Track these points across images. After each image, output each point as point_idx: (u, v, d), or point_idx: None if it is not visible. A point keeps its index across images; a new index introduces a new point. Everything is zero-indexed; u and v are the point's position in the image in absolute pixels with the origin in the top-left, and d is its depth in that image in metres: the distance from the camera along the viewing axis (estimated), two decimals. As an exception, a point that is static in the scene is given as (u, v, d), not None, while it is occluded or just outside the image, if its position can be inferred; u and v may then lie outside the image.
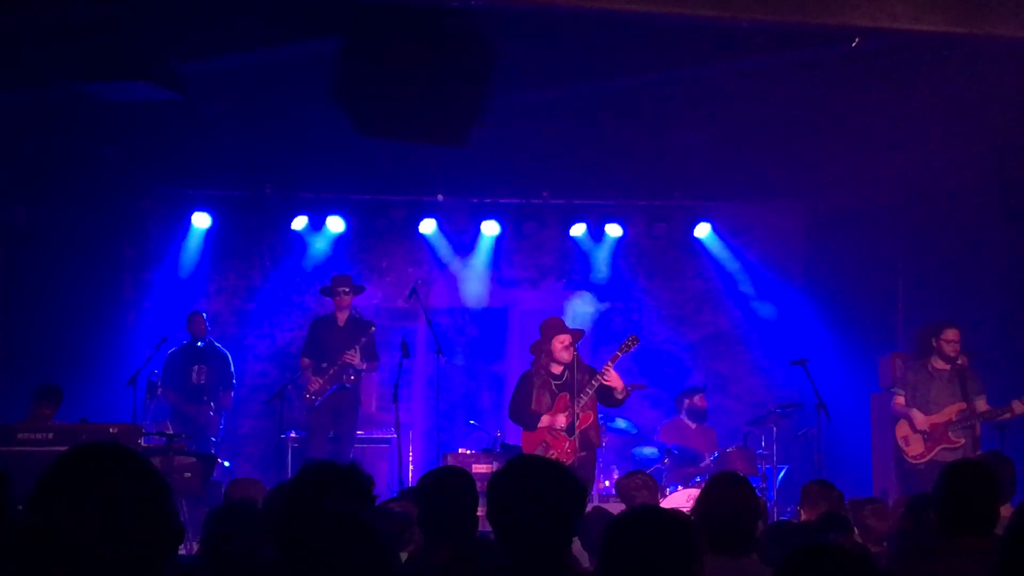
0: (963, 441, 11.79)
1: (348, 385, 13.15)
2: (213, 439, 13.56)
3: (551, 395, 11.29)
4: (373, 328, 13.27)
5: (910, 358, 12.69)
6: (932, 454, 11.87)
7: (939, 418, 11.93)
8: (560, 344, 11.26)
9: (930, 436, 11.95)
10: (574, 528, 4.29)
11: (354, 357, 13.09)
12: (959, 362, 11.98)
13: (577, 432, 11.09)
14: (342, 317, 13.43)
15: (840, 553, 3.59)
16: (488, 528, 4.43)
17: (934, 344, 12.10)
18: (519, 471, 4.37)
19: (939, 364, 12.07)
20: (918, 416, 12.01)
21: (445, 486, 5.70)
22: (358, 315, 13.51)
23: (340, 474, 4.21)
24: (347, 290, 13.45)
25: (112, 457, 2.82)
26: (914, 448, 12.03)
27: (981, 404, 11.83)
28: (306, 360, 13.42)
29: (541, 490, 4.20)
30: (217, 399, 13.66)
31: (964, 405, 11.86)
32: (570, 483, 4.31)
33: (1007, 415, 11.61)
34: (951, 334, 12.03)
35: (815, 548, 3.65)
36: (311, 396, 13.12)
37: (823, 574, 3.53)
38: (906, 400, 12.16)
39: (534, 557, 4.16)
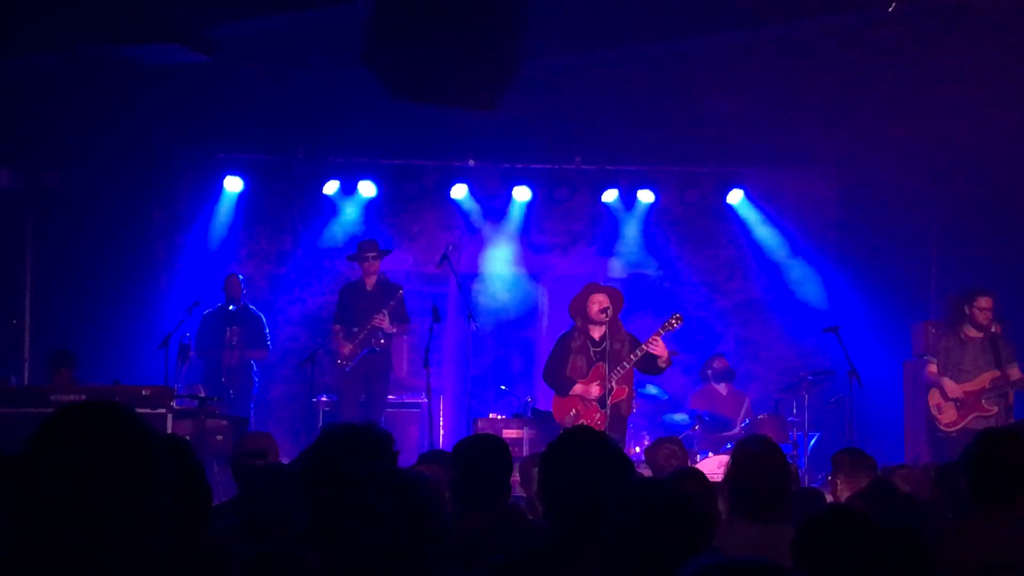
0: (996, 409, 11.74)
1: (377, 349, 13.15)
2: (251, 401, 13.60)
3: (588, 361, 11.21)
4: (401, 291, 13.27)
5: (943, 326, 12.62)
6: (965, 422, 11.82)
7: (972, 386, 11.88)
8: (596, 304, 11.18)
9: (963, 404, 11.90)
10: None
11: (383, 320, 13.09)
12: (992, 330, 11.91)
13: (609, 404, 11.04)
14: (370, 282, 13.43)
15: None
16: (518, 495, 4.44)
17: (967, 312, 12.03)
18: (574, 444, 4.38)
19: (972, 332, 12.00)
20: (950, 384, 11.96)
21: (482, 453, 5.68)
22: (386, 279, 13.50)
23: (359, 434, 4.20)
24: (374, 255, 13.43)
25: (100, 414, 2.80)
26: (947, 416, 11.97)
27: (1015, 372, 11.76)
28: (338, 327, 13.44)
29: (594, 464, 4.22)
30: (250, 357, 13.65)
31: (997, 373, 11.81)
32: (622, 460, 4.35)
33: None
34: (984, 302, 11.96)
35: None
36: (342, 361, 13.15)
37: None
38: (938, 368, 12.10)
39: (580, 531, 4.15)
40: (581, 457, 4.25)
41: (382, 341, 13.19)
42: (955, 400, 11.94)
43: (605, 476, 4.19)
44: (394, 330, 13.25)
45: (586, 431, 4.73)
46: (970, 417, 11.83)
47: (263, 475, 5.46)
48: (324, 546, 3.49)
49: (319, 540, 3.52)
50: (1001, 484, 4.90)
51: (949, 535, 5.00)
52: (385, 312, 13.10)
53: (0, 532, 2.55)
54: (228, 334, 13.50)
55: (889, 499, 6.66)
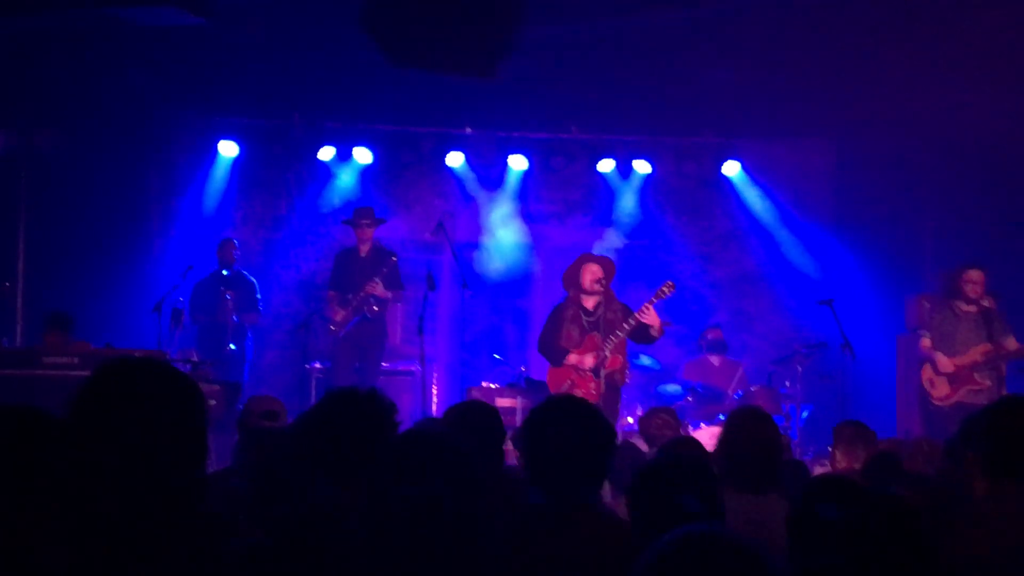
0: (988, 383, 11.75)
1: (370, 316, 13.13)
2: (245, 366, 13.60)
3: (581, 331, 11.22)
4: (395, 258, 13.24)
5: (936, 300, 12.63)
6: (957, 396, 11.85)
7: (964, 360, 11.89)
8: (590, 275, 11.19)
9: (955, 378, 11.92)
10: (607, 468, 4.31)
11: (376, 287, 13.07)
12: (985, 304, 11.92)
13: (603, 374, 11.05)
14: (364, 249, 13.41)
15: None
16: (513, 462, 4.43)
17: (959, 285, 12.04)
18: (556, 410, 4.39)
19: (965, 306, 12.01)
20: (942, 358, 11.98)
21: (471, 420, 5.69)
22: (380, 246, 13.49)
23: (362, 400, 4.21)
24: (369, 222, 13.42)
25: (153, 369, 2.85)
26: (939, 390, 12.00)
27: (1011, 343, 11.76)
28: (332, 293, 13.43)
29: (577, 430, 4.24)
30: (243, 320, 13.64)
31: (990, 347, 11.81)
32: (603, 424, 4.35)
33: None
34: (974, 275, 11.97)
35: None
36: (335, 327, 13.14)
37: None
38: (932, 342, 12.12)
39: (568, 496, 4.19)
40: (561, 424, 4.26)
41: (375, 308, 13.17)
42: (947, 374, 11.95)
43: (587, 442, 4.22)
44: (388, 296, 13.23)
45: (567, 399, 4.74)
46: (962, 391, 11.85)
47: (272, 437, 5.46)
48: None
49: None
50: (1016, 458, 4.62)
51: (960, 510, 4.86)
52: (378, 279, 13.08)
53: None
54: (224, 297, 13.45)
55: (892, 474, 6.64)
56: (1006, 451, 4.56)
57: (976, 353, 11.87)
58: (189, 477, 2.83)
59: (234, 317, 13.39)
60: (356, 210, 13.65)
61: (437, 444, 3.58)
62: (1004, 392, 11.46)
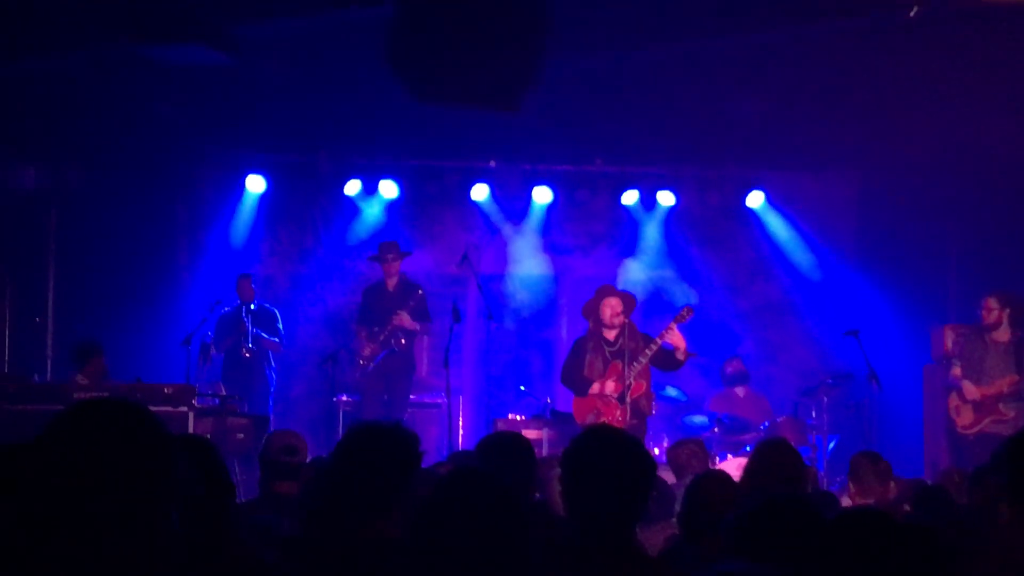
0: (1012, 414, 11.73)
1: (397, 349, 13.19)
2: (269, 398, 13.67)
3: (604, 361, 11.29)
4: (420, 291, 13.31)
5: (968, 329, 12.63)
6: (981, 425, 11.84)
7: (990, 389, 11.88)
8: (610, 309, 11.27)
9: (980, 407, 11.91)
10: (647, 499, 4.28)
11: (404, 319, 13.13)
12: (1020, 334, 11.92)
13: (629, 400, 11.10)
14: (391, 283, 13.49)
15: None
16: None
17: (979, 313, 12.11)
18: (597, 442, 4.34)
19: (998, 336, 12.02)
20: (968, 386, 11.98)
21: (505, 449, 5.71)
22: (407, 279, 13.56)
23: (386, 433, 4.24)
24: (394, 256, 13.50)
25: (114, 411, 2.81)
26: (964, 418, 12.00)
27: None
28: (362, 329, 13.50)
29: (618, 464, 4.18)
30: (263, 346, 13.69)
31: (1017, 378, 11.79)
32: (645, 459, 4.30)
33: None
34: (990, 302, 12.02)
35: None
36: (363, 361, 13.20)
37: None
38: (962, 370, 12.13)
39: (604, 532, 4.15)
40: (603, 455, 4.20)
41: (403, 341, 13.23)
42: (972, 403, 11.94)
43: (628, 474, 4.19)
44: (416, 327, 13.29)
45: (607, 429, 4.73)
46: (987, 420, 11.84)
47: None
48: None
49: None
50: None
51: (985, 538, 4.90)
52: (404, 312, 13.14)
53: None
54: (246, 325, 13.52)
55: (941, 507, 6.65)
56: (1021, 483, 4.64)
57: (1003, 383, 11.86)
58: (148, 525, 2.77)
59: (250, 344, 13.46)
60: (381, 245, 13.72)
61: (485, 484, 3.58)
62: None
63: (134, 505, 2.66)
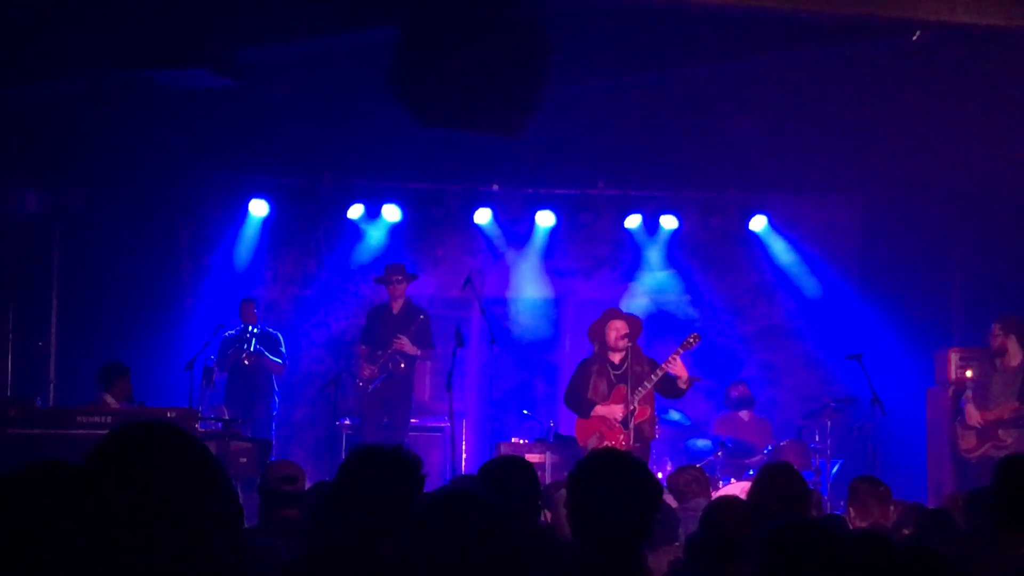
0: (1010, 440, 11.71)
1: (396, 373, 13.18)
2: (272, 422, 13.66)
3: (608, 384, 11.27)
4: (423, 316, 13.31)
5: (980, 354, 12.66)
6: (982, 450, 11.85)
7: (992, 415, 11.88)
8: (615, 332, 11.26)
9: (982, 432, 11.91)
10: (653, 522, 4.27)
11: (404, 344, 13.13)
12: (1009, 356, 11.92)
13: (632, 425, 11.08)
14: (397, 306, 13.49)
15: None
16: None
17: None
18: (603, 465, 4.34)
19: (1008, 361, 12.01)
20: (972, 411, 12.00)
21: (510, 473, 5.71)
22: (411, 304, 13.55)
23: (388, 456, 4.23)
24: (400, 278, 13.50)
25: (165, 435, 2.84)
26: (966, 442, 12.04)
27: None
28: (363, 348, 13.50)
29: (624, 486, 4.17)
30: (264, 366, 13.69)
31: (1018, 404, 11.78)
32: (651, 481, 4.30)
33: None
34: (993, 328, 12.04)
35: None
36: (362, 383, 13.19)
37: None
38: (972, 395, 12.16)
39: (612, 556, 4.14)
40: (609, 478, 4.19)
41: (402, 365, 13.22)
42: (975, 428, 11.94)
43: (634, 497, 4.18)
44: (417, 353, 13.28)
45: (613, 452, 4.73)
46: (986, 446, 11.84)
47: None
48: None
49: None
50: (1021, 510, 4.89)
51: (975, 560, 4.98)
52: (404, 336, 13.14)
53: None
54: (247, 356, 13.53)
55: (943, 530, 6.65)
56: (1014, 502, 4.83)
57: (1003, 410, 11.85)
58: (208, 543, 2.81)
59: (251, 350, 13.46)
60: (387, 267, 13.73)
61: (475, 505, 3.57)
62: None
63: (189, 525, 2.69)
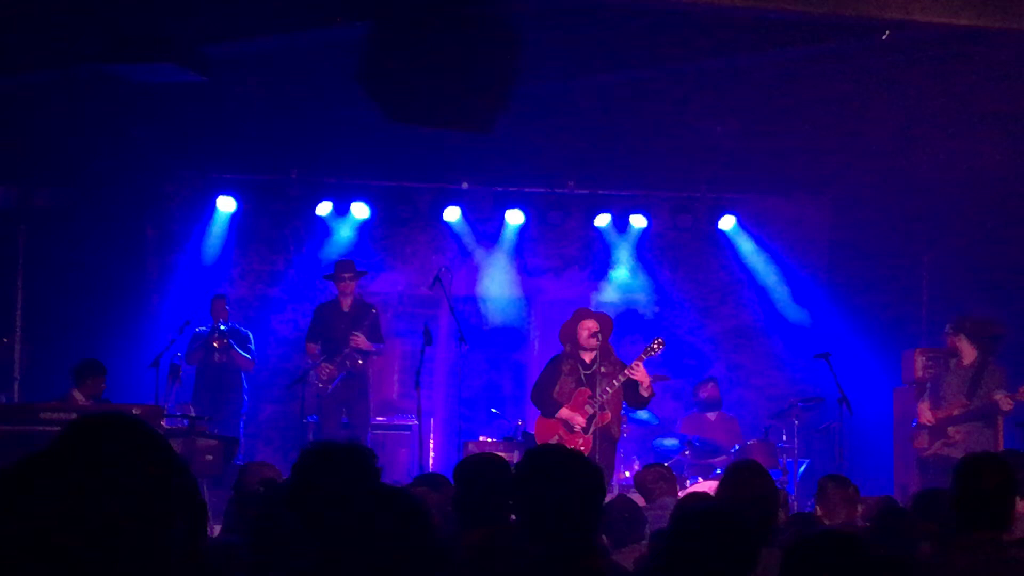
0: (960, 437, 11.76)
1: (355, 371, 13.15)
2: (240, 420, 13.62)
3: (577, 383, 11.25)
4: (373, 310, 13.36)
5: (937, 352, 12.73)
6: (934, 448, 11.92)
7: (942, 412, 11.95)
8: (587, 330, 11.23)
9: (934, 430, 11.98)
10: (600, 512, 4.27)
11: (360, 341, 13.11)
12: (963, 355, 12.00)
13: (594, 429, 11.06)
14: (346, 303, 13.45)
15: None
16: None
17: None
18: (537, 461, 4.36)
19: (960, 360, 12.07)
20: (923, 410, 12.12)
21: (483, 470, 5.73)
22: (361, 300, 13.55)
23: (343, 452, 4.21)
24: (351, 275, 13.47)
25: (122, 426, 2.82)
26: (919, 441, 12.13)
27: (991, 397, 11.75)
28: (312, 346, 13.46)
29: (560, 476, 4.17)
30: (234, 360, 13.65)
31: (967, 402, 11.84)
32: (588, 466, 4.30)
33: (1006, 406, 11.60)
34: (947, 328, 12.13)
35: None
36: (322, 384, 13.14)
37: None
38: (928, 394, 12.22)
39: (563, 543, 4.12)
40: (549, 475, 4.19)
41: (360, 362, 13.19)
42: (928, 427, 12.02)
43: (578, 492, 4.17)
44: (372, 348, 13.26)
45: (551, 448, 4.73)
46: (938, 443, 11.91)
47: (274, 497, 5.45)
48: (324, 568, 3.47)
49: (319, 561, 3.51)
50: (983, 511, 4.93)
51: (933, 561, 5.02)
52: (360, 332, 13.13)
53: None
54: (217, 353, 13.50)
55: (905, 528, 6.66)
56: (973, 503, 4.87)
57: (951, 407, 11.92)
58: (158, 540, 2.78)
59: (224, 338, 13.42)
60: (337, 264, 13.71)
61: (405, 506, 3.53)
62: (1000, 447, 11.50)
63: (145, 513, 2.66)
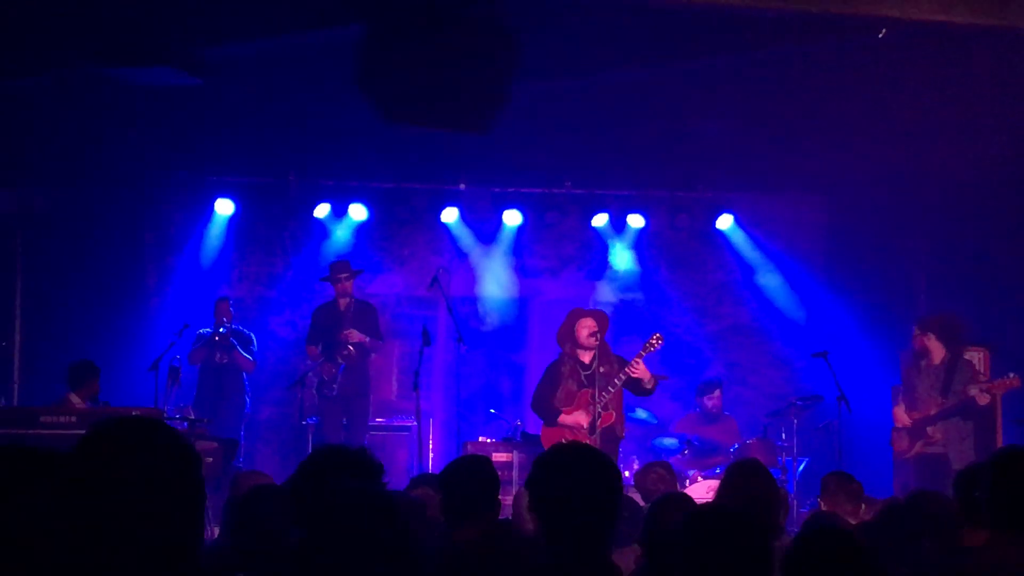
0: (940, 436, 11.78)
1: (346, 363, 13.14)
2: (242, 421, 13.62)
3: (578, 385, 11.24)
4: (373, 309, 13.41)
5: (909, 355, 12.73)
6: (915, 449, 11.94)
7: (918, 413, 11.97)
8: (585, 329, 11.23)
9: (912, 432, 11.99)
10: (617, 513, 4.24)
11: (352, 334, 13.14)
12: (932, 354, 12.01)
13: (599, 430, 11.07)
14: (343, 303, 13.47)
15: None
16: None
17: None
18: (562, 458, 4.32)
19: (931, 360, 12.08)
20: (899, 413, 12.18)
21: (466, 471, 5.75)
22: (359, 300, 13.56)
23: (350, 457, 4.22)
24: (347, 275, 13.49)
25: (147, 428, 2.85)
26: (899, 444, 12.14)
27: (967, 392, 11.73)
28: (312, 348, 13.47)
29: (584, 477, 4.15)
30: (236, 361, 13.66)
31: (942, 400, 11.84)
32: (612, 470, 4.28)
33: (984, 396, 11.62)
34: (913, 330, 12.16)
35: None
36: (326, 381, 13.15)
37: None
38: (902, 396, 12.26)
39: (578, 548, 4.10)
40: (571, 471, 4.17)
41: (351, 349, 13.17)
42: (906, 428, 12.03)
43: (596, 489, 4.16)
44: (365, 340, 13.26)
45: (574, 445, 4.71)
46: (918, 444, 11.92)
47: (255, 497, 5.46)
48: (312, 565, 3.48)
49: (308, 558, 3.51)
50: (1019, 507, 4.73)
51: (965, 559, 4.92)
52: (352, 328, 13.16)
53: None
54: (219, 355, 13.50)
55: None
56: (1011, 500, 4.67)
57: (928, 407, 11.93)
58: (178, 545, 2.80)
59: (226, 335, 13.43)
60: (332, 265, 13.73)
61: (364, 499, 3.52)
62: (975, 445, 11.56)
63: (165, 510, 2.71)
